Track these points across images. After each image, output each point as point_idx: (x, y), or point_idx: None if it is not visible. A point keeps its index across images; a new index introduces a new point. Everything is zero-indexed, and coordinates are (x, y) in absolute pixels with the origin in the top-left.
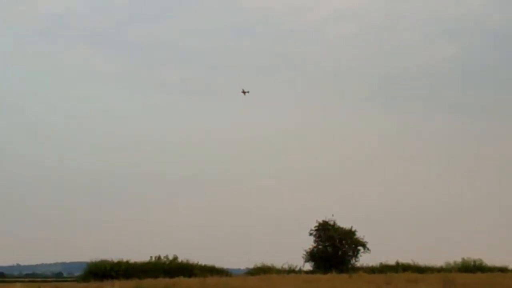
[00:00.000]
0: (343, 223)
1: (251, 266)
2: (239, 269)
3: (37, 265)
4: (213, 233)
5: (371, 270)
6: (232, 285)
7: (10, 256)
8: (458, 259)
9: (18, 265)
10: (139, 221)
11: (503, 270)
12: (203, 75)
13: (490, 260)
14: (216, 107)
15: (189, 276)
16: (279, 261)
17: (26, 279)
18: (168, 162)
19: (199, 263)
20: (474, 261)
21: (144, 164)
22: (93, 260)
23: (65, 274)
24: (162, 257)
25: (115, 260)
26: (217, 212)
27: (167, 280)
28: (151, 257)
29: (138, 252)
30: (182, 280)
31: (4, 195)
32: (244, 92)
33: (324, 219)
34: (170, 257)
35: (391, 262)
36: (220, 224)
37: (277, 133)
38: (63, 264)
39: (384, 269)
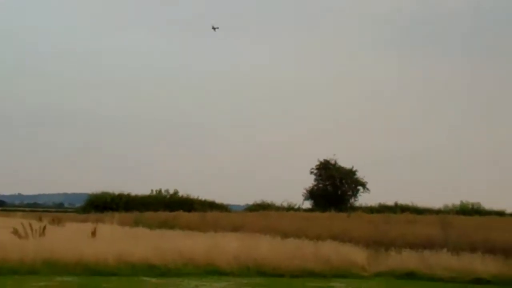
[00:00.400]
0: (345, 163)
1: (250, 202)
2: (238, 206)
3: (38, 195)
4: (214, 170)
5: (370, 210)
6: (231, 220)
7: (12, 185)
8: (457, 202)
9: (20, 194)
10: (141, 156)
11: (500, 213)
12: None
13: (488, 203)
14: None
15: (189, 210)
16: (278, 199)
17: (27, 209)
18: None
19: (199, 198)
20: (472, 204)
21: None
22: (94, 192)
23: (66, 205)
24: (162, 191)
25: (116, 193)
26: (218, 150)
27: (167, 214)
28: (151, 190)
29: (139, 186)
30: (182, 213)
31: (11, 125)
32: (214, 28)
33: (325, 158)
34: (171, 191)
35: (390, 203)
36: (221, 162)
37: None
38: (64, 194)
39: (382, 209)
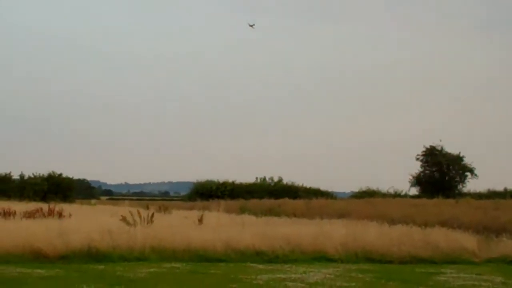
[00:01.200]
0: (451, 149)
1: (356, 190)
2: (344, 193)
3: (144, 184)
4: (319, 157)
5: (478, 196)
6: (337, 207)
7: (119, 175)
8: None
9: (127, 184)
10: (245, 145)
11: None
12: None
13: None
14: None
15: (294, 198)
16: (384, 186)
17: (134, 198)
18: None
19: (304, 185)
20: None
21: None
22: (199, 180)
23: (171, 193)
24: (267, 179)
25: (221, 181)
26: (325, 137)
27: (272, 201)
28: (256, 178)
29: (244, 174)
30: (287, 201)
31: (118, 117)
32: (251, 26)
33: (431, 144)
34: (275, 179)
35: (499, 188)
36: (327, 149)
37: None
38: (169, 183)
39: (491, 195)
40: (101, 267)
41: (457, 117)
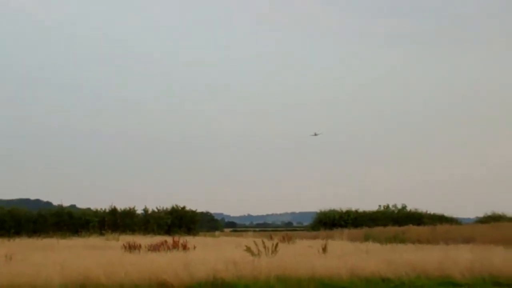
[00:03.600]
0: None
1: (480, 215)
2: (468, 218)
3: (267, 215)
4: (443, 183)
5: None
6: (462, 232)
7: (242, 207)
8: None
9: (249, 216)
10: (363, 172)
11: None
12: None
13: None
14: None
15: (418, 224)
16: (510, 210)
17: (257, 229)
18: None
19: (428, 211)
20: None
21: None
22: (322, 210)
23: (294, 224)
24: (390, 206)
25: (344, 210)
26: (446, 162)
27: (396, 228)
28: (379, 206)
29: (366, 202)
30: (411, 227)
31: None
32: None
33: None
34: (399, 206)
35: None
36: (449, 174)
37: None
38: (292, 214)
39: None
40: None
41: None
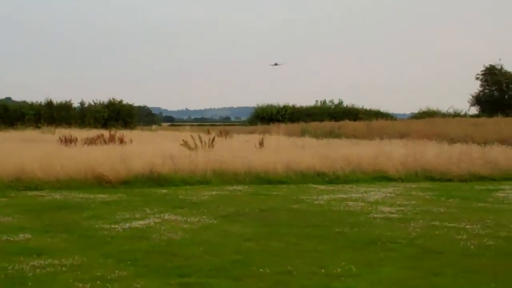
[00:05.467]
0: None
1: (415, 111)
2: (404, 114)
3: (205, 110)
4: (378, 79)
5: None
6: (397, 127)
7: (179, 101)
8: None
9: (187, 110)
10: (303, 67)
11: None
12: None
13: None
14: None
15: (354, 120)
16: (444, 106)
17: (195, 123)
18: None
19: (364, 107)
20: None
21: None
22: (260, 105)
23: (232, 119)
24: (327, 102)
25: (281, 105)
26: (382, 58)
27: (332, 123)
28: (316, 101)
29: (303, 98)
30: (347, 123)
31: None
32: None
33: (491, 63)
34: (336, 102)
35: None
36: (385, 70)
37: None
38: (230, 108)
39: None
40: (164, 191)
41: None
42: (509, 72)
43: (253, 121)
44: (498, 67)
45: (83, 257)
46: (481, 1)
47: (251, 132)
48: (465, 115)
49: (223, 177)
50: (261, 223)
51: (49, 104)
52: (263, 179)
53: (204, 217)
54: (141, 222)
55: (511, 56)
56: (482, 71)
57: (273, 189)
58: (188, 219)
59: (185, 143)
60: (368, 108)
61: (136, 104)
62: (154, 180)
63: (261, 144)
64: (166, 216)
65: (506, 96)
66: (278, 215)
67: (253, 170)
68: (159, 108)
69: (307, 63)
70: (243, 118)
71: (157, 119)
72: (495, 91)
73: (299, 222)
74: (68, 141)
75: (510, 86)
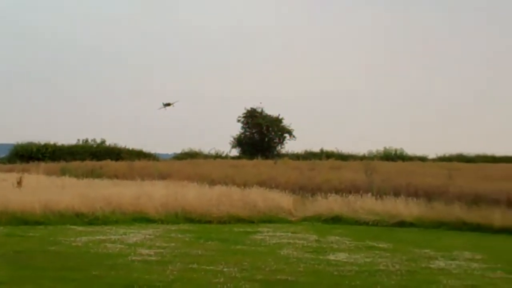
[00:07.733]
0: (271, 111)
1: (179, 151)
2: (166, 154)
3: None
4: (142, 119)
5: (296, 157)
6: (159, 168)
7: None
8: (380, 148)
9: None
10: (68, 104)
11: (422, 159)
12: None
13: (411, 149)
14: None
15: (117, 159)
16: (206, 147)
17: None
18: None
19: (127, 147)
20: (396, 150)
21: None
22: (20, 142)
23: None
24: (89, 140)
25: (42, 143)
26: (147, 98)
27: (94, 163)
28: (78, 139)
29: (65, 136)
30: (109, 162)
31: None
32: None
33: (252, 106)
34: (98, 141)
35: (316, 149)
36: (149, 111)
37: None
38: None
39: (308, 156)
40: None
41: (275, 79)
42: (269, 115)
43: (11, 159)
44: (259, 110)
45: None
46: (240, 51)
47: (10, 171)
48: (226, 157)
49: None
50: (16, 266)
51: None
52: (20, 220)
53: None
54: None
55: (270, 100)
56: (243, 113)
57: (30, 230)
58: None
59: None
60: (130, 148)
61: None
62: None
63: (20, 183)
64: None
65: (266, 139)
66: (34, 258)
67: (10, 210)
68: None
69: (72, 99)
70: (1, 156)
71: None
72: (255, 134)
73: (56, 265)
74: None
75: (270, 129)
